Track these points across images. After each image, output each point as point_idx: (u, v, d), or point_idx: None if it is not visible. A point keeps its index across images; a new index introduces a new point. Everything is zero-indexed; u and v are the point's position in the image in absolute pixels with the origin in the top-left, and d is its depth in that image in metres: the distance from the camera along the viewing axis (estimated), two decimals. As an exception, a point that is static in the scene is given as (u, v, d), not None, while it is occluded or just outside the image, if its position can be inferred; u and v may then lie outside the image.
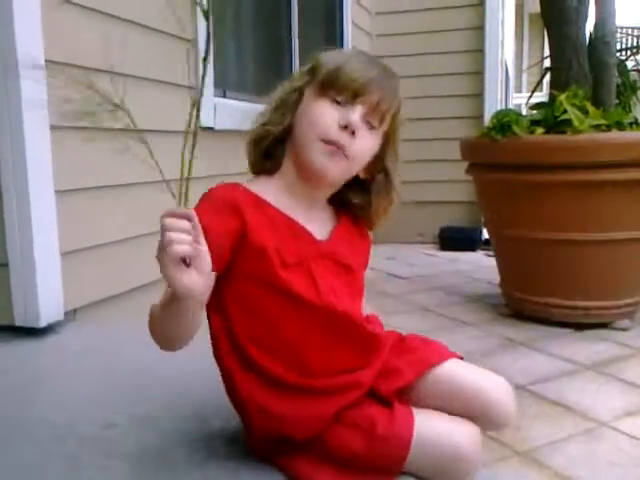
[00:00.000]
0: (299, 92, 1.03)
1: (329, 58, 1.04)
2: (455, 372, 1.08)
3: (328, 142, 0.98)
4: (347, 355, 1.03)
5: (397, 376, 1.05)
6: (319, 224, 1.05)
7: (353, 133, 0.98)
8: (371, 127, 1.01)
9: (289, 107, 1.03)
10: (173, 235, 0.74)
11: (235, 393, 1.00)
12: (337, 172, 1.01)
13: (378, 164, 1.06)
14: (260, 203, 0.98)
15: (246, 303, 0.97)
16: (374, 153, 1.04)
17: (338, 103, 0.99)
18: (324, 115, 0.99)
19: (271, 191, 1.01)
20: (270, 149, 1.04)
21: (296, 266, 0.98)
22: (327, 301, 0.99)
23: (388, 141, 1.06)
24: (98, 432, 1.11)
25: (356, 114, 0.98)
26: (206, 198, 0.96)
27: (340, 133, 0.98)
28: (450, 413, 1.03)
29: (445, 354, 1.11)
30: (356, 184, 1.07)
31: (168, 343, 0.92)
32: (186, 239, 0.75)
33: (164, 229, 0.75)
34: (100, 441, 1.08)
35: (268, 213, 0.98)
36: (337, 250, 1.05)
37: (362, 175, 1.06)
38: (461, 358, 1.12)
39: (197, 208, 0.88)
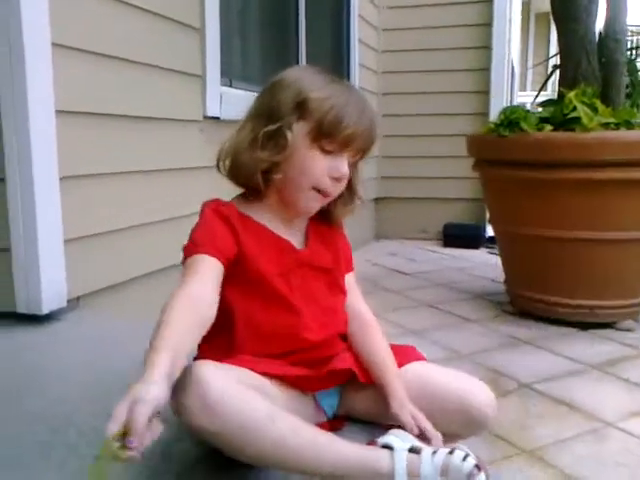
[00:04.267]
0: (288, 131, 1.01)
1: (318, 99, 1.01)
2: (422, 372, 1.13)
3: (319, 191, 1.04)
4: None
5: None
6: (299, 233, 1.12)
7: (340, 180, 1.04)
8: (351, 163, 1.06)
9: (278, 147, 1.02)
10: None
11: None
12: (319, 208, 1.09)
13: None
14: (243, 217, 1.05)
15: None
16: None
17: (329, 152, 1.02)
18: (317, 167, 1.03)
19: (255, 211, 1.07)
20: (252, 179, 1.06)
21: (279, 276, 1.05)
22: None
23: (356, 165, 1.10)
24: (97, 423, 1.09)
25: (345, 165, 1.03)
26: (201, 215, 1.04)
27: (331, 183, 1.04)
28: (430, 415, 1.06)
29: (412, 355, 1.16)
30: None
31: None
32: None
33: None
34: (99, 432, 1.06)
35: (252, 227, 1.05)
36: (314, 256, 1.11)
37: None
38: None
39: (199, 223, 1.02)
